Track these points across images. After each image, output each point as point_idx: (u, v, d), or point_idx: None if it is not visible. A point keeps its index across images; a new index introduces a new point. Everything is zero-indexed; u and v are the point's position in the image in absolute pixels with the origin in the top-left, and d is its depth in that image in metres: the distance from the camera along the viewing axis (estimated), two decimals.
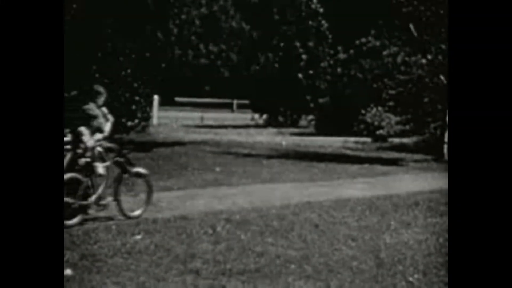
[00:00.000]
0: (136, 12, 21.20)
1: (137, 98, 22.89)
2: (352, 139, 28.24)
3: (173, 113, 43.30)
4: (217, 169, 16.50)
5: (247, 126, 38.28)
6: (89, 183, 9.57)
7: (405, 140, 27.52)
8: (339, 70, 35.10)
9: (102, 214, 9.84)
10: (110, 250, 7.75)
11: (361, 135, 28.57)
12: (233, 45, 24.14)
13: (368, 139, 28.09)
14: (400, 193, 13.31)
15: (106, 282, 6.58)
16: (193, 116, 42.62)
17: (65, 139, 9.44)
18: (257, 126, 39.47)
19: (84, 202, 9.49)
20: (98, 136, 9.79)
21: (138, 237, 8.50)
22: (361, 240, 8.78)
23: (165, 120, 36.90)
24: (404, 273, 7.19)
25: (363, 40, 29.91)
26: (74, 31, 18.75)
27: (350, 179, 15.77)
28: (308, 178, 15.56)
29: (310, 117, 38.69)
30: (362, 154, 23.14)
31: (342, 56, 34.91)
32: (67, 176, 9.16)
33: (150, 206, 10.47)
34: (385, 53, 25.07)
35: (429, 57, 22.17)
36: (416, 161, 20.98)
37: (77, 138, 9.56)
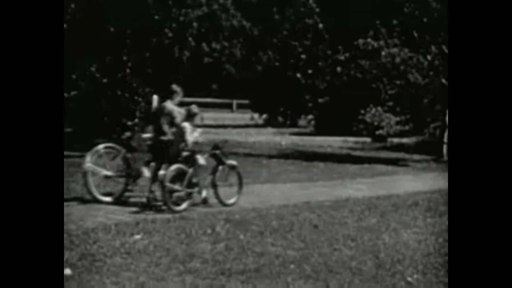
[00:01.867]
0: (136, 11, 21.20)
1: (136, 98, 22.89)
2: (352, 139, 28.24)
3: None
4: None
5: (246, 126, 38.28)
6: (193, 173, 10.83)
7: (404, 140, 27.53)
8: (338, 69, 35.09)
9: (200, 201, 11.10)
10: (110, 250, 7.74)
11: (360, 135, 28.58)
12: (236, 43, 24.15)
13: (368, 139, 28.09)
14: (399, 193, 13.31)
15: (106, 282, 6.57)
16: None
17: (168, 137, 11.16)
18: (256, 126, 39.46)
19: (190, 190, 10.82)
20: (197, 131, 11.17)
21: (138, 237, 8.50)
22: (360, 240, 8.78)
23: None
24: (403, 273, 7.19)
25: (362, 41, 29.92)
26: (74, 31, 18.72)
27: (350, 179, 15.77)
28: (307, 178, 15.56)
29: (310, 117, 38.69)
30: (362, 154, 23.14)
31: (341, 56, 34.91)
32: (174, 166, 10.63)
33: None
34: (383, 53, 25.10)
35: (429, 57, 22.18)
36: (415, 161, 20.98)
37: (181, 133, 10.97)
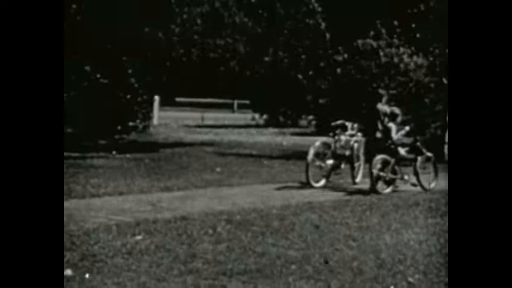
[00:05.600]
0: (136, 12, 21.18)
1: (138, 99, 22.90)
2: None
3: (173, 113, 43.33)
4: (218, 169, 16.50)
5: (247, 126, 38.28)
6: (395, 162, 13.50)
7: (405, 140, 27.46)
8: (339, 70, 35.03)
9: (404, 187, 13.56)
10: (111, 251, 7.75)
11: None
12: (239, 39, 24.07)
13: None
14: (400, 193, 13.30)
15: (107, 282, 6.58)
16: (194, 116, 42.63)
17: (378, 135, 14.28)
18: (257, 126, 39.45)
19: (393, 176, 13.45)
20: (401, 130, 14.01)
21: (139, 237, 8.50)
22: (361, 240, 8.78)
23: (166, 120, 36.91)
24: (404, 274, 7.19)
25: (361, 41, 29.85)
26: (74, 31, 18.72)
27: (351, 179, 15.74)
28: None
29: (311, 117, 38.64)
30: None
31: (341, 56, 34.83)
32: (380, 156, 13.38)
33: (152, 206, 10.84)
34: (382, 53, 25.05)
35: (430, 58, 22.16)
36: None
37: (388, 131, 13.90)
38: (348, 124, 15.01)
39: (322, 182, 14.11)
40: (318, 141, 14.64)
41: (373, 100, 14.92)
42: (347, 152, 14.43)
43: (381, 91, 14.93)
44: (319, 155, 14.22)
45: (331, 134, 14.75)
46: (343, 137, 14.56)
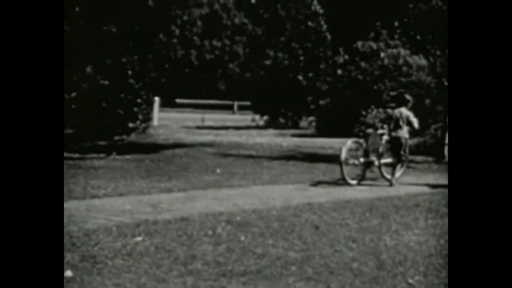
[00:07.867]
0: (137, 13, 21.17)
1: (138, 100, 22.90)
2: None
3: (174, 114, 43.33)
4: (218, 170, 16.49)
5: (247, 128, 38.27)
6: None
7: None
8: (339, 71, 35.04)
9: None
10: (111, 252, 7.75)
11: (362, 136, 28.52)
12: (238, 41, 24.03)
13: None
14: (400, 194, 13.30)
15: (107, 283, 6.57)
16: (194, 117, 42.64)
17: None
18: (257, 127, 39.44)
19: None
20: None
21: (139, 238, 8.50)
22: (361, 241, 8.77)
23: (166, 121, 36.92)
24: (404, 275, 7.19)
25: (360, 43, 29.88)
26: (75, 32, 18.73)
27: (351, 180, 15.75)
28: (308, 179, 15.55)
29: (311, 118, 38.64)
30: None
31: (342, 57, 34.86)
32: None
33: (152, 207, 10.85)
34: (382, 54, 25.11)
35: (431, 58, 22.18)
36: (416, 162, 20.96)
37: None
38: (378, 123, 16.11)
39: (357, 179, 14.86)
40: (350, 140, 15.32)
41: (380, 102, 16.11)
42: (379, 150, 15.30)
43: (408, 97, 15.57)
44: (351, 154, 14.87)
45: (361, 133, 15.86)
46: (372, 136, 15.41)
